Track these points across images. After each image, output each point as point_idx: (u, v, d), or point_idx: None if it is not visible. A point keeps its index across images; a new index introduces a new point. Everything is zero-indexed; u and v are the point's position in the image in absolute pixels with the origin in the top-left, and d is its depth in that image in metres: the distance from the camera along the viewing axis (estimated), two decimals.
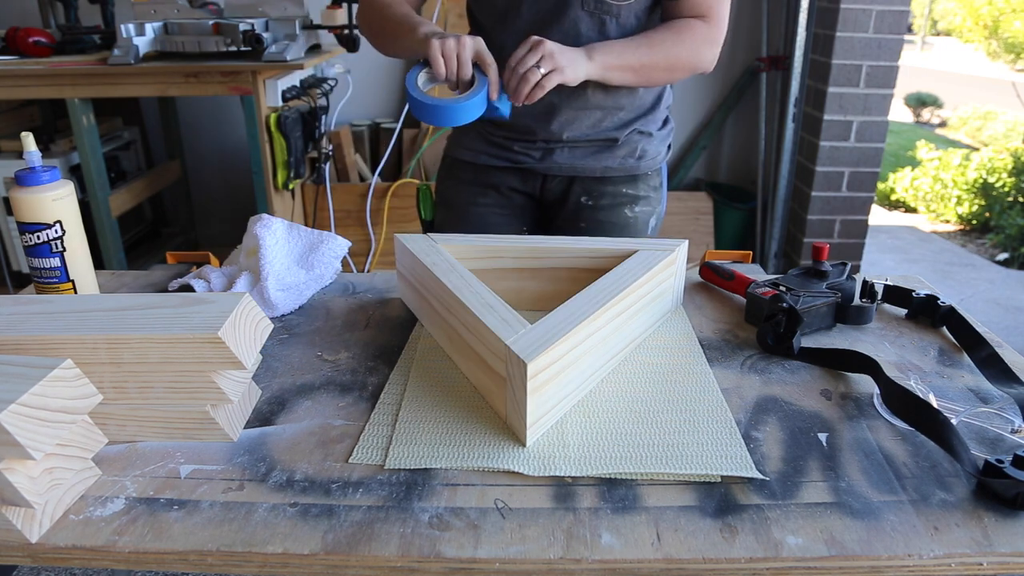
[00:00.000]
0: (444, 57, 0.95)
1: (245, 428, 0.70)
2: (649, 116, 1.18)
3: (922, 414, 0.67)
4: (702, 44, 1.07)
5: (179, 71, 2.05)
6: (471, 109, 0.98)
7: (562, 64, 0.96)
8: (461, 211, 1.24)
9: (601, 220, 1.19)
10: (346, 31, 2.29)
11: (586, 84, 1.08)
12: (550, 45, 0.95)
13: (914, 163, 5.13)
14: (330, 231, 1.05)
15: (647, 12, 1.09)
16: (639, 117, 1.17)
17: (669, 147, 1.26)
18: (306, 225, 2.50)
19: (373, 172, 2.74)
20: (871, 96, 2.67)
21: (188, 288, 0.95)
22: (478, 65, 0.98)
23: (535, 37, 0.97)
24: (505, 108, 1.01)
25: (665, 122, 1.23)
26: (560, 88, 1.05)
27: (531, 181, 1.21)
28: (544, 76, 0.95)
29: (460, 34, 0.97)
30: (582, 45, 1.04)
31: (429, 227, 1.37)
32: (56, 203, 0.81)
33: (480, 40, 0.98)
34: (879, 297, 0.96)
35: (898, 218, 4.64)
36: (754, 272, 1.05)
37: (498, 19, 1.10)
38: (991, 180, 4.40)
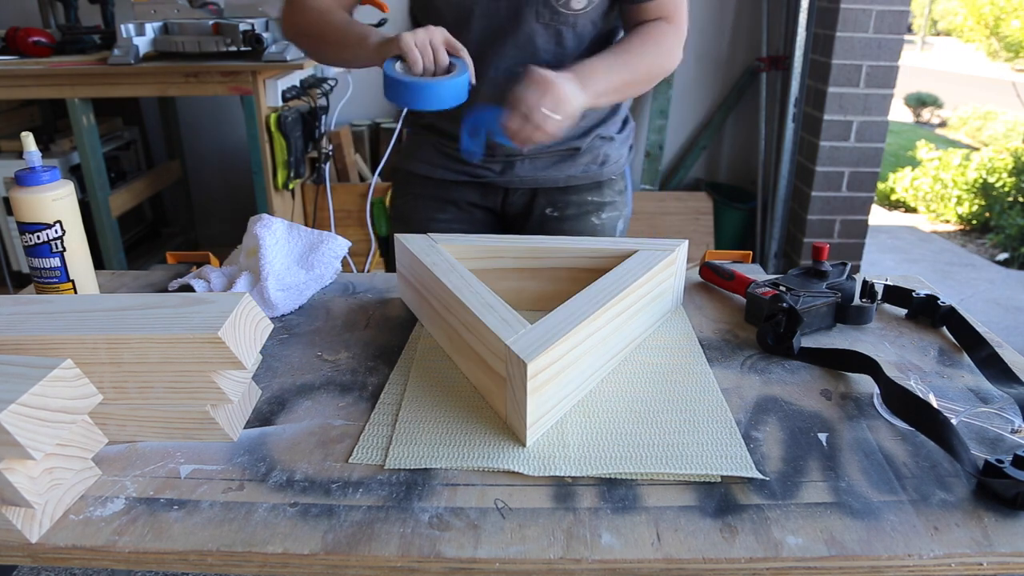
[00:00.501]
0: (419, 48, 0.90)
1: (245, 428, 0.70)
2: (610, 120, 1.15)
3: (922, 414, 0.67)
4: (674, 48, 1.06)
5: (179, 71, 2.05)
6: (456, 89, 0.92)
7: (570, 114, 0.90)
8: (418, 228, 1.16)
9: (567, 231, 1.16)
10: None
11: None
12: (560, 90, 0.88)
13: (914, 163, 5.13)
14: (330, 231, 1.05)
15: (603, 17, 1.06)
16: (600, 123, 1.14)
17: (631, 148, 1.23)
18: (306, 225, 2.50)
19: (373, 172, 2.74)
20: (871, 96, 2.67)
21: (188, 288, 0.95)
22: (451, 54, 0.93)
23: (544, 76, 0.89)
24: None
25: (625, 123, 1.20)
26: None
27: (492, 195, 1.17)
28: (549, 118, 0.89)
29: (426, 26, 0.93)
30: (539, 58, 1.01)
31: (385, 243, 1.32)
32: (56, 203, 0.81)
33: (444, 30, 0.93)
34: (879, 297, 0.96)
35: (898, 218, 4.64)
36: (754, 272, 1.05)
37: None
38: (991, 180, 4.40)
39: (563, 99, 0.90)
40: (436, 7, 1.04)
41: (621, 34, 1.13)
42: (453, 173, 1.16)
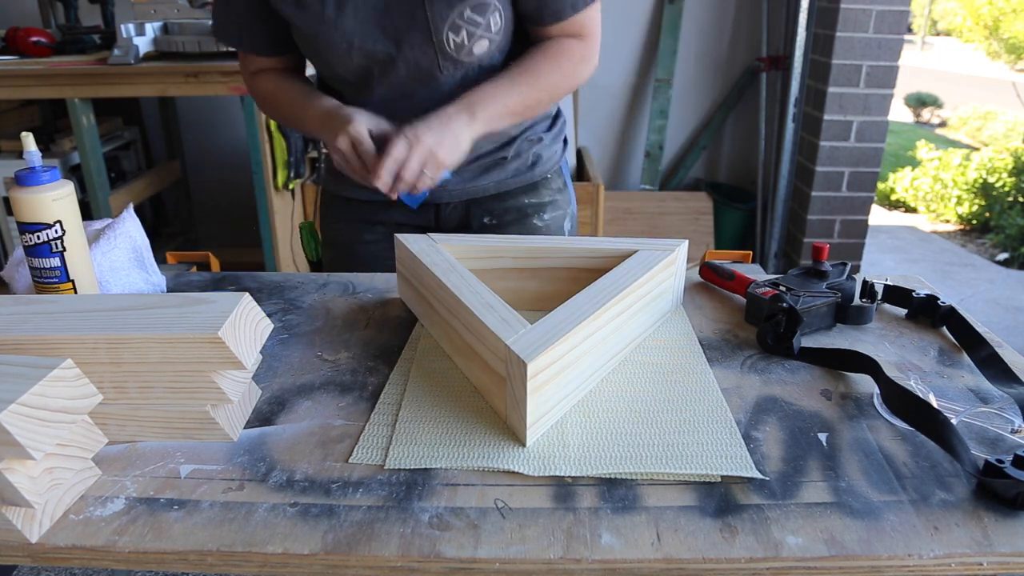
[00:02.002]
0: (347, 160, 0.90)
1: (245, 428, 0.70)
2: (537, 123, 1.11)
3: (922, 414, 0.67)
4: (579, 64, 1.00)
5: (179, 71, 2.05)
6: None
7: (446, 160, 0.89)
8: (347, 251, 1.16)
9: (511, 234, 1.11)
10: None
11: None
12: (428, 142, 0.86)
13: (914, 163, 5.13)
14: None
15: (509, 40, 1.00)
16: (527, 127, 1.10)
17: (565, 141, 1.17)
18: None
19: None
20: (871, 96, 2.67)
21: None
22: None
23: (412, 133, 0.87)
24: (411, 202, 0.96)
25: (555, 120, 1.15)
26: None
27: (423, 213, 1.12)
28: (429, 177, 0.89)
29: (346, 124, 0.89)
30: (447, 95, 0.95)
31: (318, 267, 1.28)
32: (56, 203, 0.81)
33: (361, 127, 0.89)
34: (879, 297, 0.96)
35: (898, 218, 4.65)
36: (754, 272, 1.05)
37: (352, 91, 1.03)
38: (991, 180, 4.40)
39: (433, 156, 0.87)
40: (339, 73, 1.01)
41: None
42: (377, 194, 1.09)
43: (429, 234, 0.94)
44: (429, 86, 0.98)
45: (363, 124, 0.90)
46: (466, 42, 0.92)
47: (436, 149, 0.87)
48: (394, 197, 0.92)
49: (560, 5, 0.95)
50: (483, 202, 1.12)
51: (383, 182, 0.88)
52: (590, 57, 1.02)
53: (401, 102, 0.99)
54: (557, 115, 1.16)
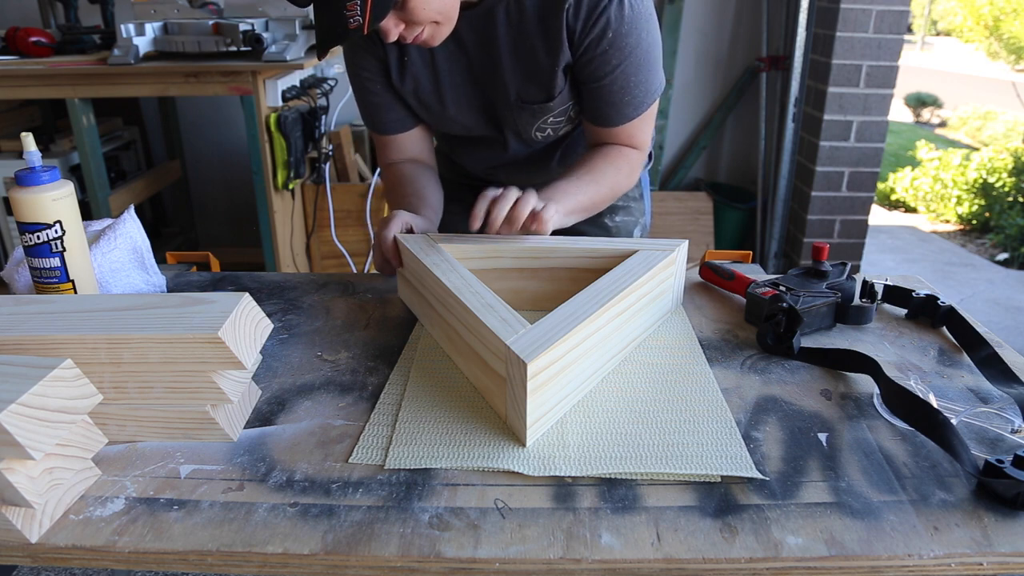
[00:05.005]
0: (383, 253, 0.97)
1: (245, 428, 0.70)
2: None
3: (922, 414, 0.67)
4: (637, 168, 1.10)
5: (179, 71, 2.05)
6: None
7: (546, 224, 0.91)
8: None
9: (581, 231, 1.17)
10: None
11: (551, 161, 1.16)
12: (531, 198, 0.90)
13: (914, 163, 5.13)
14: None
15: (577, 110, 1.07)
16: None
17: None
18: (306, 225, 2.50)
19: (373, 172, 2.74)
20: (871, 96, 2.67)
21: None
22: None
23: (527, 192, 0.91)
24: None
25: None
26: (528, 176, 1.15)
27: None
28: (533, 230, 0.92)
29: (385, 221, 0.96)
30: (541, 149, 1.14)
31: None
32: (56, 203, 0.81)
33: (389, 231, 0.95)
34: (879, 297, 0.96)
35: (898, 218, 4.64)
36: (754, 272, 1.05)
37: (470, 147, 1.19)
38: (991, 180, 4.40)
39: (546, 223, 0.90)
40: (455, 138, 1.18)
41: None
42: (463, 178, 1.24)
43: (429, 234, 0.94)
44: (525, 152, 1.16)
45: (393, 230, 0.94)
46: (552, 134, 1.10)
47: (548, 208, 0.90)
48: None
49: (611, 113, 1.03)
50: None
51: (479, 214, 0.91)
52: (642, 163, 1.13)
53: (505, 154, 1.16)
54: None
